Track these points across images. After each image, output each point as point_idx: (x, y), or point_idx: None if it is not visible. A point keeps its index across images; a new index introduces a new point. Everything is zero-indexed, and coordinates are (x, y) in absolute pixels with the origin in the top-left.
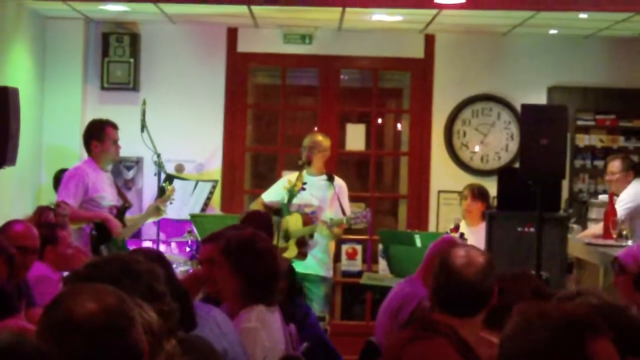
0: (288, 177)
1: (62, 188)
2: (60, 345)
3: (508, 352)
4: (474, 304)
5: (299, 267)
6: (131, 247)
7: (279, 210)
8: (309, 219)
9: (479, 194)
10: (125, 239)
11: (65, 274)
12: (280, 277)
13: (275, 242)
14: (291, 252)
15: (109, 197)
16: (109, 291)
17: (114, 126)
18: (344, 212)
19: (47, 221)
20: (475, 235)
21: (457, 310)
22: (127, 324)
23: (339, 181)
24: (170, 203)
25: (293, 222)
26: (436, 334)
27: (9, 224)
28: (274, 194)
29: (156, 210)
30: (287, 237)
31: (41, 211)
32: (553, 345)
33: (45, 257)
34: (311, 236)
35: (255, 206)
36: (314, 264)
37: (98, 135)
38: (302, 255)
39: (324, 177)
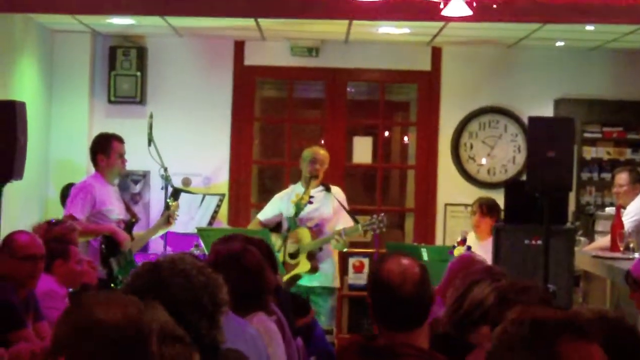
0: (282, 193)
1: (70, 202)
2: (79, 348)
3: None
4: (419, 316)
5: (306, 280)
6: (138, 261)
7: (275, 229)
8: (315, 233)
9: (488, 209)
10: (133, 253)
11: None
12: (269, 292)
13: (281, 258)
14: (304, 266)
15: (116, 210)
16: (131, 301)
17: (120, 140)
18: (355, 220)
19: (58, 235)
20: (484, 250)
21: (404, 325)
22: (145, 336)
23: (335, 189)
24: (175, 219)
25: (302, 237)
26: (407, 358)
27: (12, 235)
28: (270, 211)
29: (167, 219)
30: (295, 252)
31: (52, 225)
32: (523, 342)
33: (55, 271)
34: (320, 249)
35: (252, 226)
36: (320, 276)
37: (104, 149)
38: (314, 269)
39: (321, 188)
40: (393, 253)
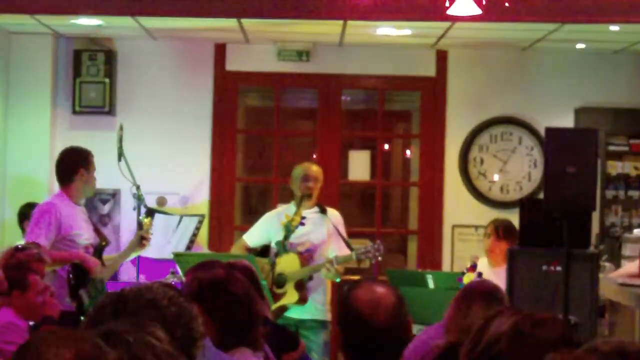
0: (271, 213)
1: (33, 226)
2: None
3: None
4: (392, 350)
5: (295, 312)
6: (110, 289)
7: (262, 252)
8: (305, 259)
9: (505, 233)
10: (105, 280)
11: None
12: (259, 323)
13: (269, 285)
14: (291, 297)
15: (85, 234)
16: (85, 338)
17: (93, 156)
18: (350, 247)
19: (17, 263)
20: (498, 277)
21: (377, 358)
22: None
23: (333, 212)
24: (149, 239)
25: (288, 263)
26: None
27: None
28: (257, 233)
29: (139, 241)
30: (281, 281)
31: (11, 252)
32: None
33: (12, 303)
34: (310, 278)
35: (236, 250)
36: (311, 307)
37: (86, 163)
38: (302, 300)
39: (317, 209)
40: (366, 280)
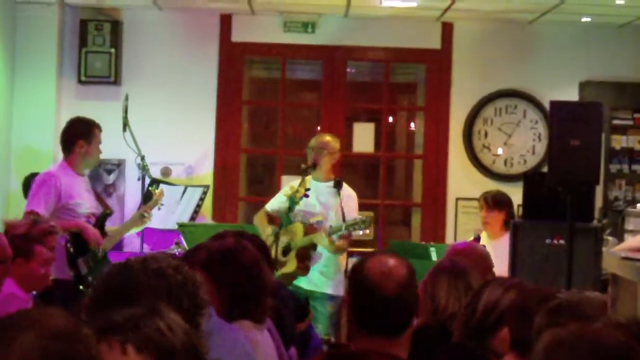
0: (291, 184)
1: (32, 195)
2: None
3: None
4: (399, 321)
5: (303, 282)
6: (113, 260)
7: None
8: (312, 229)
9: (494, 202)
10: (106, 251)
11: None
12: (267, 293)
13: (273, 254)
14: (290, 265)
15: (86, 203)
16: (57, 314)
17: (100, 129)
18: (343, 219)
19: (25, 233)
20: (497, 249)
21: (382, 330)
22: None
23: (347, 190)
24: (159, 209)
25: (294, 233)
26: None
27: None
28: (278, 202)
29: (140, 218)
30: (287, 249)
31: (30, 224)
32: None
33: (14, 271)
34: (315, 248)
35: (258, 219)
36: (319, 280)
37: (87, 135)
38: (303, 269)
39: (331, 183)
40: (379, 251)
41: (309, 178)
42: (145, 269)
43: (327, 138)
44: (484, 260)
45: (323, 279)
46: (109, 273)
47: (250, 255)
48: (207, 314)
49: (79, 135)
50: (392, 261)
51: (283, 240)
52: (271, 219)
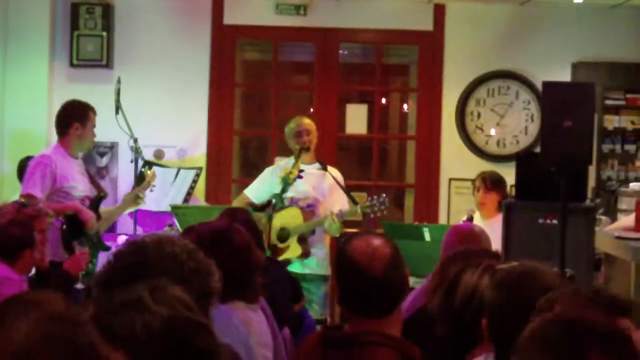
0: (273, 167)
1: (27, 179)
2: None
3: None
4: (388, 301)
5: (296, 266)
6: (107, 243)
7: (263, 207)
8: (309, 214)
9: (492, 184)
10: (100, 233)
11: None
12: (258, 273)
13: (269, 239)
14: (294, 251)
15: (80, 186)
16: (53, 299)
17: (95, 112)
18: (354, 201)
19: (24, 220)
20: (491, 229)
21: (372, 311)
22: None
23: (333, 171)
24: (151, 190)
25: (291, 218)
26: (374, 347)
27: None
28: (259, 187)
29: (135, 199)
30: (284, 235)
31: (17, 208)
32: (550, 345)
33: (19, 261)
34: (313, 232)
35: (237, 204)
36: (312, 262)
37: (81, 117)
38: (305, 254)
39: (317, 165)
40: (363, 232)
41: (292, 160)
42: (160, 251)
43: (307, 120)
44: (488, 242)
45: (316, 261)
46: (123, 252)
47: (240, 236)
48: (215, 302)
49: (74, 117)
50: (376, 242)
51: (276, 224)
52: (251, 206)
